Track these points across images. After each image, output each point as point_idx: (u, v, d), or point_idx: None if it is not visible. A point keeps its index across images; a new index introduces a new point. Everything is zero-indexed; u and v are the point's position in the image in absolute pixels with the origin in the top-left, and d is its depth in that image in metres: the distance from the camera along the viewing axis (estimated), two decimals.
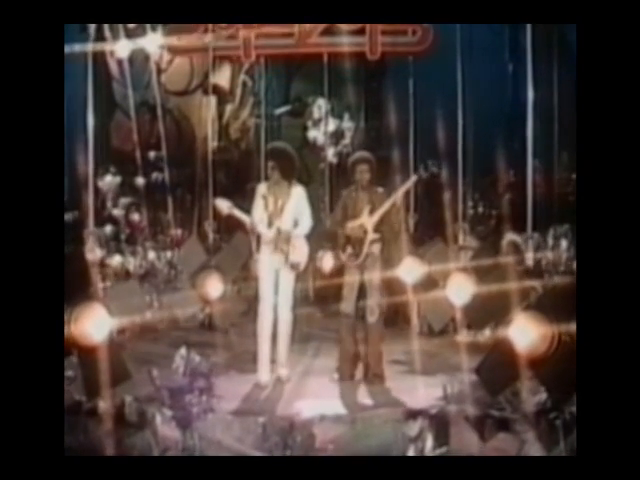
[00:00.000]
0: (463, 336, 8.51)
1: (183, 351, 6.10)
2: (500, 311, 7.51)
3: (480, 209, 10.41)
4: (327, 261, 9.85)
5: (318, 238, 9.13)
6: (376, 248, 7.24)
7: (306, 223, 7.20)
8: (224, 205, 7.12)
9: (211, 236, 9.84)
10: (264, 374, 7.18)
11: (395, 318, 9.37)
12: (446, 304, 8.43)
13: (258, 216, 7.08)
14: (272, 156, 7.26)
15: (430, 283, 8.59)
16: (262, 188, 7.17)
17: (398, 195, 7.16)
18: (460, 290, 8.12)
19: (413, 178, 7.54)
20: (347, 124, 12.94)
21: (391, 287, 8.32)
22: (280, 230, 7.02)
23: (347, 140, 12.78)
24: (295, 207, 7.12)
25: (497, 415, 5.46)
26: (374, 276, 7.20)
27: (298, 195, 7.15)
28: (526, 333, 5.37)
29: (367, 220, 7.18)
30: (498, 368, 5.64)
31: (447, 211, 9.61)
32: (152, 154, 12.05)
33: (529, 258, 8.21)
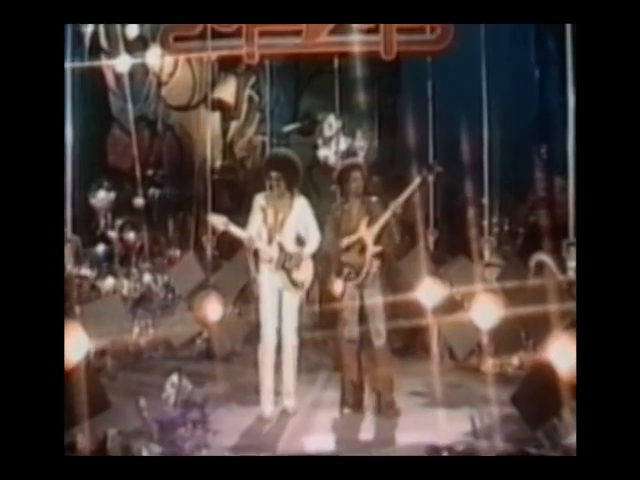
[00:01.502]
0: (489, 364, 8.15)
1: (174, 378, 5.92)
2: (533, 335, 7.69)
3: (506, 227, 9.75)
4: (338, 284, 8.79)
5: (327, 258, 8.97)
6: (377, 264, 6.76)
7: (314, 239, 6.72)
8: (219, 221, 6.61)
9: (209, 253, 9.17)
10: (268, 406, 6.70)
11: (412, 345, 8.94)
12: (471, 328, 7.98)
13: (256, 231, 6.62)
14: (275, 165, 6.70)
15: (452, 305, 8.22)
16: (260, 200, 6.66)
17: (399, 202, 6.61)
18: (486, 313, 7.79)
19: (417, 181, 6.76)
20: (360, 143, 12.51)
21: (408, 311, 8.02)
22: (282, 246, 6.57)
23: (360, 159, 11.59)
24: (298, 220, 6.66)
25: (534, 453, 5.17)
26: (376, 295, 6.74)
27: (301, 207, 6.68)
28: (569, 355, 4.98)
29: (366, 233, 6.68)
30: (539, 396, 5.34)
31: (471, 226, 9.08)
32: (151, 172, 11.64)
33: (567, 274, 7.54)
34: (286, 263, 6.60)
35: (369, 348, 6.81)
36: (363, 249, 6.68)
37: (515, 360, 8.15)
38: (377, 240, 6.73)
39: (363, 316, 6.78)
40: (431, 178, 7.08)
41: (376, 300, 6.73)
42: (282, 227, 6.63)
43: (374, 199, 6.88)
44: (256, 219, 6.64)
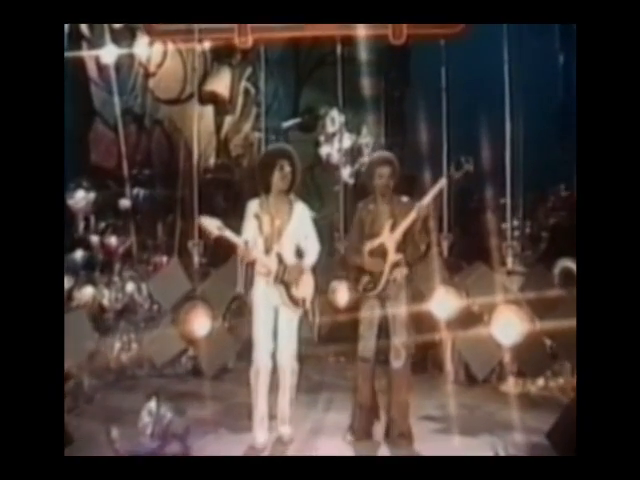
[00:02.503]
0: (509, 384, 7.68)
1: (152, 405, 5.63)
2: (563, 353, 7.26)
3: (527, 230, 9.09)
4: (342, 293, 9.04)
5: (329, 268, 8.69)
6: (400, 273, 6.22)
7: (313, 250, 6.22)
8: (213, 225, 5.92)
9: (196, 259, 8.50)
10: (261, 433, 6.09)
11: (423, 362, 8.31)
12: (491, 345, 7.49)
13: (251, 239, 6.07)
14: (284, 155, 6.13)
15: (469, 318, 7.77)
16: (253, 206, 6.13)
17: (423, 204, 6.08)
18: (509, 327, 7.43)
19: (442, 181, 6.20)
20: (365, 139, 12.26)
21: (420, 323, 7.36)
22: (281, 258, 6.03)
23: (365, 158, 11.86)
24: (297, 229, 6.14)
25: None
26: (399, 309, 6.19)
27: (301, 213, 6.17)
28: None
29: (388, 238, 6.20)
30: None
31: (489, 229, 8.52)
32: (137, 171, 10.88)
33: None
34: (285, 277, 6.04)
35: (386, 368, 6.27)
36: (384, 256, 6.21)
37: (540, 380, 7.62)
38: (399, 246, 6.22)
39: (382, 332, 6.26)
40: (457, 176, 6.32)
41: (399, 314, 6.17)
42: (280, 236, 6.09)
43: (404, 199, 6.32)
44: (250, 228, 6.09)
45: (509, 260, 7.85)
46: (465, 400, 7.40)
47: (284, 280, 6.03)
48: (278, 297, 6.07)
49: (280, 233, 6.08)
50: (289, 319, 6.11)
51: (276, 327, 6.10)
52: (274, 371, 6.14)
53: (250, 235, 6.08)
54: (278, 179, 6.05)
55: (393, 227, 6.20)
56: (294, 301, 6.10)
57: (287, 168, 6.04)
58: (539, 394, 7.52)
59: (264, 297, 6.10)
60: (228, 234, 5.96)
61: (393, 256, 6.16)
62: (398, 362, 6.15)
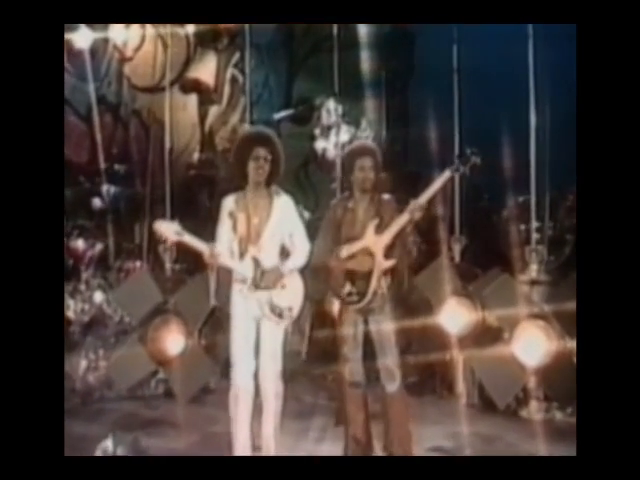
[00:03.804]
0: (532, 409, 7.14)
1: (108, 444, 5.16)
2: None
3: (549, 232, 8.48)
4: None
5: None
6: (385, 282, 5.78)
7: (301, 250, 5.69)
8: (170, 230, 5.48)
9: (168, 266, 7.77)
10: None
11: (431, 381, 7.96)
12: (513, 366, 6.87)
13: (225, 242, 5.60)
14: (262, 142, 5.61)
15: (486, 334, 7.26)
16: (229, 203, 5.64)
17: (420, 203, 5.59)
18: (534, 346, 6.88)
19: (446, 175, 5.69)
20: (365, 133, 11.67)
21: (427, 338, 7.38)
22: (258, 262, 5.53)
23: (372, 143, 11.29)
24: (280, 226, 5.64)
25: None
26: (386, 323, 5.77)
27: (284, 208, 5.66)
28: None
29: (373, 241, 5.70)
30: None
31: (508, 231, 8.00)
32: (112, 167, 10.25)
33: None
34: (263, 283, 5.54)
35: (381, 392, 5.86)
36: (369, 262, 5.70)
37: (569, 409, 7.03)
38: (388, 251, 5.70)
39: (369, 351, 5.85)
40: (463, 172, 5.81)
41: (386, 330, 5.75)
42: (259, 237, 5.61)
43: (387, 197, 5.87)
44: (225, 229, 5.61)
45: (533, 267, 7.09)
46: (481, 428, 6.85)
47: (263, 288, 5.54)
48: (258, 308, 5.57)
49: (258, 233, 5.58)
50: (272, 333, 5.61)
51: (258, 343, 5.61)
52: (257, 394, 5.69)
53: (225, 237, 5.60)
54: (253, 170, 5.51)
55: (379, 228, 5.71)
56: (277, 312, 5.61)
57: (263, 156, 5.51)
58: (563, 419, 7.06)
59: (242, 308, 5.59)
60: (188, 239, 5.48)
61: (382, 262, 5.64)
62: (392, 385, 5.74)
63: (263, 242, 5.58)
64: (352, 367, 5.81)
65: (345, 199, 5.90)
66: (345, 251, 5.73)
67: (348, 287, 5.73)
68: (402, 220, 5.63)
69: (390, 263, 5.69)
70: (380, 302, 5.74)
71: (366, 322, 5.79)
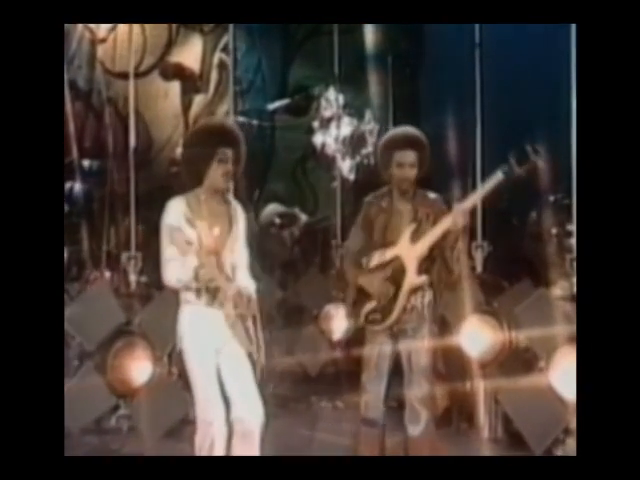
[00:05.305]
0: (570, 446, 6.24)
1: None
2: None
3: None
4: (338, 323, 8.13)
5: (323, 287, 8.19)
6: (421, 300, 5.33)
7: (244, 266, 5.06)
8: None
9: (133, 278, 7.00)
10: None
11: (447, 413, 7.19)
12: (553, 401, 5.96)
13: (173, 253, 4.85)
14: (224, 139, 4.98)
15: (516, 359, 6.57)
16: (180, 206, 4.88)
17: (466, 207, 5.24)
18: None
19: (498, 176, 5.20)
20: (369, 125, 11.65)
21: (444, 362, 6.71)
22: (228, 277, 4.93)
23: (369, 148, 11.51)
24: (238, 240, 4.99)
25: None
26: (419, 350, 5.29)
27: (241, 219, 5.07)
28: None
29: (407, 250, 5.28)
30: None
31: (540, 237, 7.40)
32: (81, 162, 9.72)
33: None
34: (240, 304, 4.82)
35: (402, 434, 5.47)
36: (399, 275, 5.30)
37: None
38: (422, 265, 5.28)
39: (393, 382, 5.41)
40: (519, 174, 5.23)
41: (418, 358, 5.29)
42: (223, 245, 4.93)
43: (433, 195, 5.42)
44: (179, 238, 4.79)
45: (574, 280, 6.17)
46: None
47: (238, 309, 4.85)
48: (229, 332, 4.82)
49: (221, 245, 4.87)
50: (246, 365, 4.88)
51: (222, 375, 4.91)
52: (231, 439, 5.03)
53: (179, 250, 4.74)
54: (217, 173, 4.79)
55: (415, 236, 5.27)
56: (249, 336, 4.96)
57: (233, 159, 4.90)
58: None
59: (202, 337, 4.86)
60: None
61: (413, 277, 5.22)
62: (416, 427, 5.29)
63: (226, 253, 4.90)
64: (370, 400, 5.32)
65: (381, 197, 5.41)
66: (377, 258, 5.31)
67: (371, 303, 5.29)
68: (442, 227, 5.20)
69: (422, 279, 5.24)
70: (415, 323, 5.25)
71: (395, 347, 5.30)
